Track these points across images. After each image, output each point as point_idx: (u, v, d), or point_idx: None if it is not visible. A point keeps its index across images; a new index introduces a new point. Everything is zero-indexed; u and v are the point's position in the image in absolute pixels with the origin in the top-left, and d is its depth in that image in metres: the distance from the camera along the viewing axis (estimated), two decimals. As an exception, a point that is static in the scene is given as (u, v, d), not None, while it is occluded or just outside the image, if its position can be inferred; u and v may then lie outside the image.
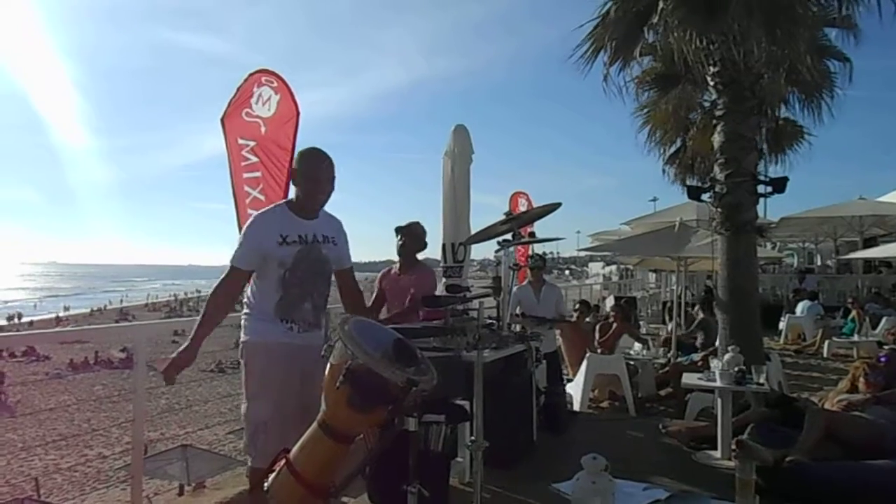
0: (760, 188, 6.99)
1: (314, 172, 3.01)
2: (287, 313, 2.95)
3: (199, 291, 65.16)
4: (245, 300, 3.10)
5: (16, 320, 38.81)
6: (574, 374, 7.41)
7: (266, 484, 2.12)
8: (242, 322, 3.07)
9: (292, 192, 3.18)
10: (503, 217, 3.04)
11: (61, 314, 42.88)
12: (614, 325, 8.03)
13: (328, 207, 3.15)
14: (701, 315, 8.86)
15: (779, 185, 6.93)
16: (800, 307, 13.69)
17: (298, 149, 4.51)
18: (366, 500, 3.54)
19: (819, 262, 23.04)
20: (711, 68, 7.01)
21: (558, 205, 3.20)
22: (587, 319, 8.67)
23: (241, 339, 3.04)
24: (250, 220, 3.07)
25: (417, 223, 4.65)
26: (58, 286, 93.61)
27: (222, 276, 3.02)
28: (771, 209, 17.16)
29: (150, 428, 10.68)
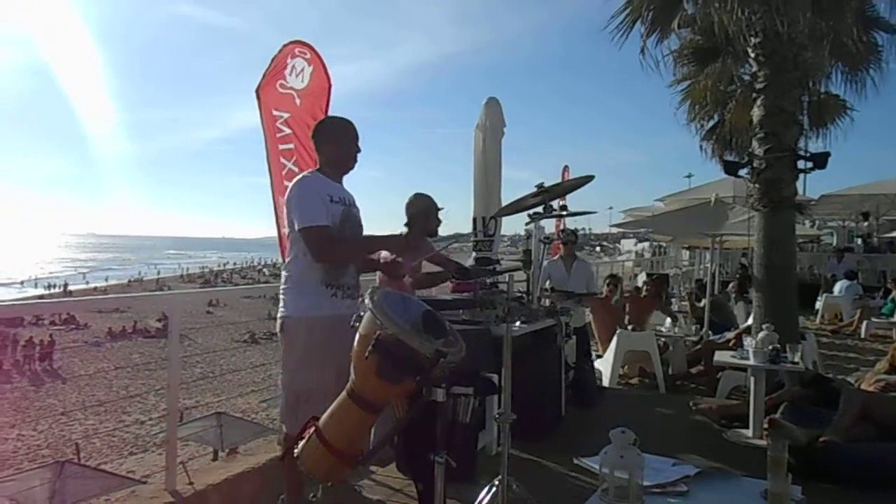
0: (801, 164, 6.80)
1: (350, 132, 3.14)
2: (334, 277, 2.97)
3: (235, 264, 66.17)
4: (286, 272, 3.07)
5: (58, 289, 39.91)
6: (603, 351, 7.38)
7: (296, 451, 2.14)
8: (281, 296, 3.04)
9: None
10: (534, 189, 3.00)
11: (99, 284, 43.97)
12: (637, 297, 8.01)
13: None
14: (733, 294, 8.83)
15: (820, 160, 6.74)
16: (837, 286, 13.40)
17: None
18: (394, 469, 3.59)
19: (859, 242, 22.49)
20: (752, 39, 6.80)
21: (591, 177, 3.14)
22: (616, 297, 8.60)
23: (282, 314, 3.02)
24: (295, 184, 3.03)
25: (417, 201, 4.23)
26: (98, 257, 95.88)
27: (322, 243, 2.90)
28: (810, 187, 16.77)
29: (185, 396, 10.93)
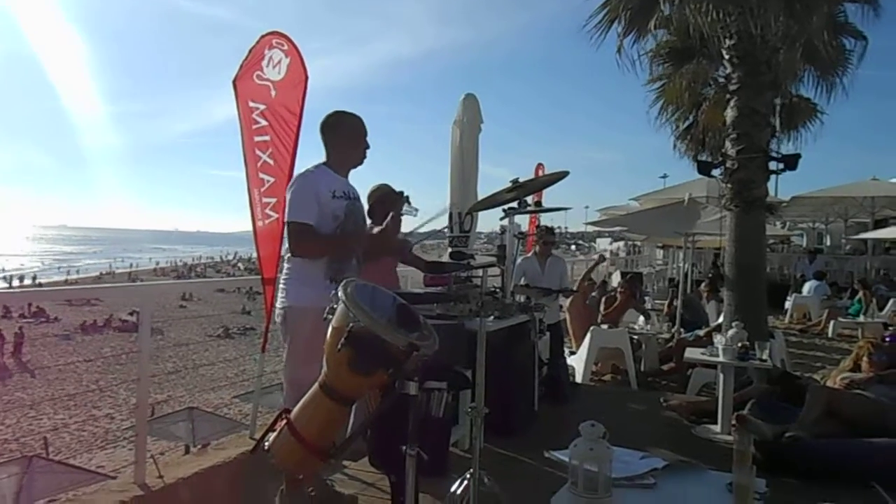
0: (772, 165, 6.93)
1: (361, 129, 3.21)
2: (336, 272, 2.98)
3: (210, 257, 65.51)
4: (288, 264, 3.12)
5: (27, 281, 39.18)
6: (577, 348, 7.44)
7: (266, 443, 2.14)
8: (282, 286, 3.11)
9: (321, 154, 3.24)
10: (509, 184, 3.02)
11: (69, 277, 43.26)
12: (619, 298, 8.05)
13: None
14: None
15: (791, 162, 6.87)
16: (806, 287, 13.66)
17: (306, 115, 4.53)
18: (366, 462, 3.60)
19: (829, 243, 22.91)
20: (727, 41, 6.91)
21: (565, 173, 3.17)
22: (592, 293, 8.66)
23: (283, 305, 3.06)
24: (296, 179, 3.14)
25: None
26: (69, 249, 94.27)
27: (298, 238, 3.01)
28: (781, 189, 17.05)
29: (157, 390, 10.82)
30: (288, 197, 3.08)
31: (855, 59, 7.64)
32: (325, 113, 3.26)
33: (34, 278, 40.62)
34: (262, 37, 4.65)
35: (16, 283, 38.32)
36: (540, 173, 11.09)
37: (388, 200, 3.95)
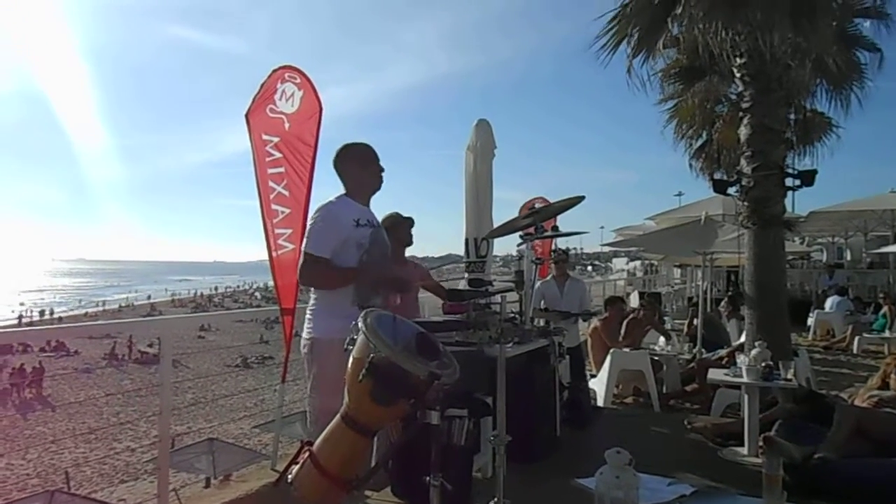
0: (788, 181, 6.86)
1: (370, 154, 3.24)
2: (365, 299, 2.99)
3: (228, 287, 65.88)
4: (315, 294, 3.13)
5: (47, 316, 39.56)
6: (597, 371, 7.36)
7: (289, 476, 2.13)
8: (309, 316, 3.11)
9: (338, 184, 3.27)
10: (526, 210, 3.02)
11: (90, 310, 43.64)
12: (633, 318, 7.94)
13: None
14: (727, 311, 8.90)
15: (807, 178, 6.80)
16: (829, 302, 13.47)
17: (322, 145, 4.57)
18: (389, 493, 3.56)
19: (849, 258, 22.64)
20: (737, 59, 6.89)
21: (581, 198, 3.17)
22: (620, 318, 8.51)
23: (310, 336, 3.06)
24: (320, 209, 3.14)
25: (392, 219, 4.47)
26: (87, 283, 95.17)
27: (305, 269, 3.05)
28: (798, 204, 16.93)
29: (177, 422, 10.84)
30: (308, 227, 3.11)
31: (870, 72, 7.59)
32: (340, 142, 3.31)
33: (52, 313, 40.99)
34: (274, 71, 4.71)
35: (36, 317, 38.70)
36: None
37: (398, 227, 4.23)
